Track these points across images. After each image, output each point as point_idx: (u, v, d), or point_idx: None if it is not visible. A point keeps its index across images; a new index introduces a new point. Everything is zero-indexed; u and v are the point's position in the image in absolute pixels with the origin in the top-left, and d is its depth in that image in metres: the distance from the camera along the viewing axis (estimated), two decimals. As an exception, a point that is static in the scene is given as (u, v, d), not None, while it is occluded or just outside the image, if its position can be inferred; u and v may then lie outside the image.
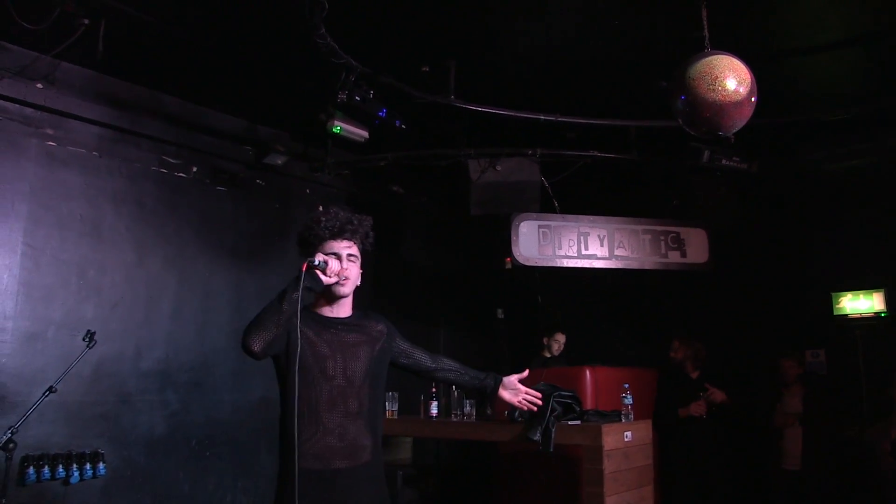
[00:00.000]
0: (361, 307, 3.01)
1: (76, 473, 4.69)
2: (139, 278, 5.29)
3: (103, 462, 4.83)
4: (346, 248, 2.87)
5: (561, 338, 6.73)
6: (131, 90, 5.37)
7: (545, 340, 6.73)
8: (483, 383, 3.21)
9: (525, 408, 3.26)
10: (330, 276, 2.75)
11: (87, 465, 4.75)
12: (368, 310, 3.05)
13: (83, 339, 4.32)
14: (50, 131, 4.94)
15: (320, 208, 3.00)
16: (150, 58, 5.01)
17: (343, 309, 2.91)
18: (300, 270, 2.66)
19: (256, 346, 2.61)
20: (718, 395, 5.78)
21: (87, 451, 4.79)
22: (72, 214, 4.98)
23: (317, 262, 2.71)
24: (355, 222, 2.93)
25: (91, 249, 5.05)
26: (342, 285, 2.83)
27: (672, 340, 6.14)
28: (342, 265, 2.82)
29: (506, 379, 3.23)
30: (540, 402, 3.26)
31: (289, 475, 2.56)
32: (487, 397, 3.27)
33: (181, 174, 5.65)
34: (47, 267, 4.83)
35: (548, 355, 6.71)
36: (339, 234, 2.87)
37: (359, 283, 2.94)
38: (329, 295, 2.85)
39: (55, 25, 4.14)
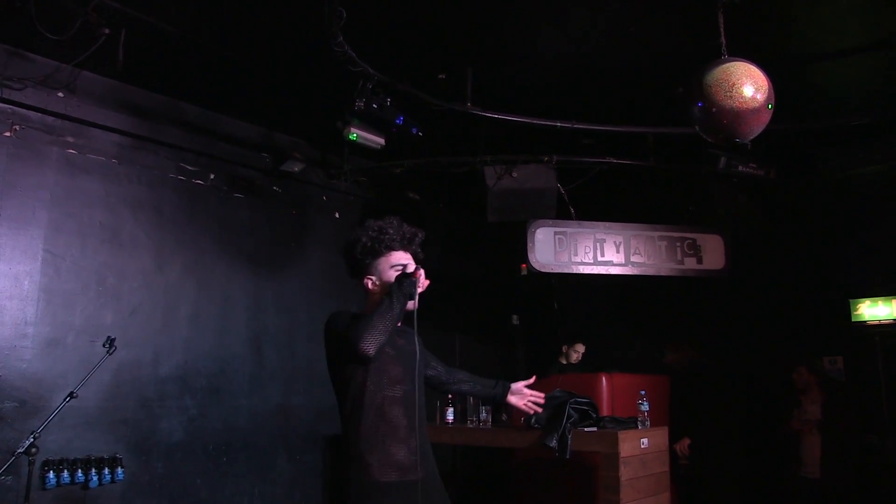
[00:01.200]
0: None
1: (95, 478, 4.73)
2: (158, 285, 5.34)
3: (122, 467, 4.87)
4: (407, 258, 2.90)
5: (581, 348, 6.74)
6: (151, 98, 5.43)
7: (564, 349, 6.73)
8: (493, 392, 3.27)
9: (531, 411, 3.33)
10: (422, 287, 2.77)
11: (106, 470, 4.79)
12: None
13: (103, 345, 4.36)
14: (70, 139, 5.00)
15: (390, 219, 2.95)
16: (169, 66, 5.06)
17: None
18: (411, 276, 2.70)
19: (372, 350, 2.57)
20: (682, 447, 5.86)
21: (107, 457, 4.83)
22: (91, 221, 5.04)
23: (414, 272, 2.75)
24: (420, 235, 2.96)
25: (110, 256, 5.10)
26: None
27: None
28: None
29: (513, 385, 3.28)
30: (541, 401, 3.32)
31: (363, 487, 2.54)
32: (499, 405, 3.32)
33: (199, 181, 5.70)
34: (67, 273, 4.88)
35: (564, 362, 6.70)
36: (408, 245, 2.90)
37: None
38: None
39: (77, 35, 4.18)
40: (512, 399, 3.26)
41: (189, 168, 5.65)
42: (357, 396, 2.65)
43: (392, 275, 2.82)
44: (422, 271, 2.79)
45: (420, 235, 2.95)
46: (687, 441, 5.88)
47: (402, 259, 2.86)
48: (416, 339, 2.86)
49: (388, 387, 2.69)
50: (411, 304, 2.76)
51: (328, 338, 2.79)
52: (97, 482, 4.73)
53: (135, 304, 5.19)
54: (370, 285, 2.88)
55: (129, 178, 5.28)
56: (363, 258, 2.87)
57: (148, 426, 5.13)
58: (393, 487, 2.56)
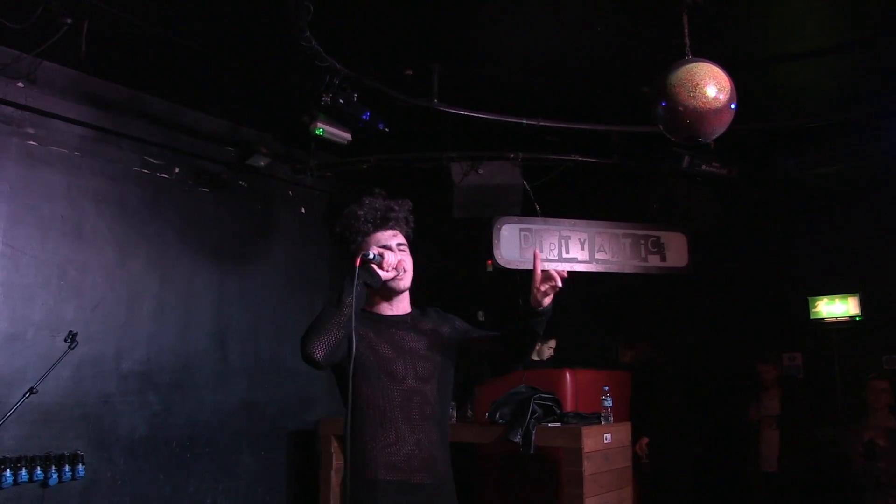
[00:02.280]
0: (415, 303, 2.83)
1: (55, 476, 4.65)
2: (121, 279, 5.27)
3: (83, 464, 4.81)
4: (393, 237, 2.68)
5: (553, 343, 6.74)
6: (114, 90, 5.36)
7: (537, 345, 6.74)
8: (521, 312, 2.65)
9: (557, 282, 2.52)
10: (388, 270, 2.56)
11: (66, 467, 4.72)
12: (425, 306, 2.85)
13: (65, 340, 4.29)
14: (31, 131, 4.91)
15: (362, 201, 2.71)
16: (133, 58, 5.00)
17: (402, 305, 2.73)
18: (354, 266, 2.46)
19: (318, 354, 2.34)
20: (641, 449, 5.95)
21: (67, 453, 4.76)
22: (53, 214, 4.96)
23: (371, 256, 2.51)
24: (396, 208, 2.72)
25: (72, 250, 5.03)
26: (400, 279, 2.64)
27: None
28: (396, 256, 2.61)
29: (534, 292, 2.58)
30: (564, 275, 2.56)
31: (364, 486, 2.40)
32: (533, 317, 2.58)
33: (163, 175, 5.64)
34: (27, 267, 4.80)
35: (536, 358, 6.72)
36: (382, 225, 2.67)
37: (412, 273, 2.73)
38: (386, 291, 2.65)
39: (37, 24, 4.11)
40: (542, 289, 2.55)
41: (153, 161, 5.59)
42: (355, 395, 2.46)
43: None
44: (388, 254, 2.57)
45: (396, 208, 2.70)
46: (645, 440, 5.97)
47: (384, 239, 2.65)
48: (438, 321, 2.73)
49: (388, 386, 2.50)
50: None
51: None
52: (57, 480, 4.66)
53: (97, 298, 5.12)
54: None
55: (91, 170, 5.21)
56: (346, 247, 2.67)
57: (110, 422, 5.07)
58: (392, 486, 2.41)
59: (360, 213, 2.65)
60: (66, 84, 5.08)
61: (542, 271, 2.55)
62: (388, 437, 2.46)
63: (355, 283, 2.42)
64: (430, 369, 2.60)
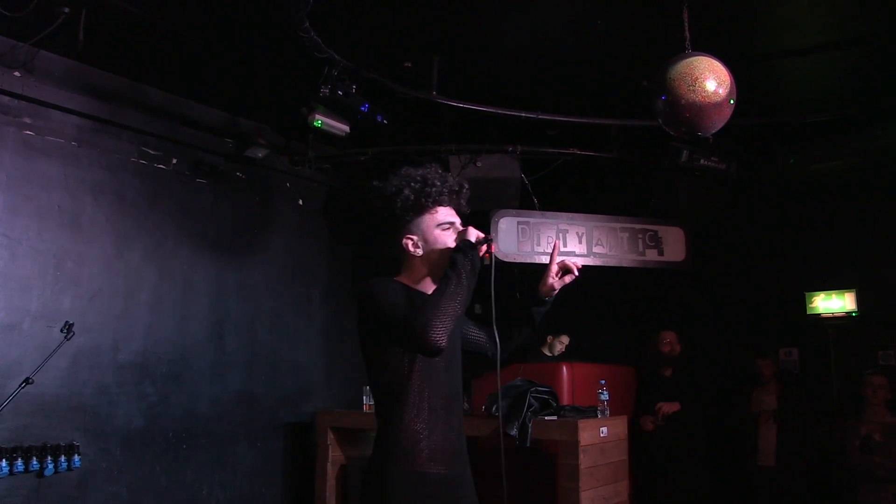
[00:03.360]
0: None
1: (51, 466, 4.65)
2: (118, 270, 5.26)
3: (79, 454, 4.80)
4: (454, 216, 2.47)
5: (565, 339, 6.66)
6: (112, 81, 5.34)
7: (549, 339, 6.67)
8: (528, 313, 2.63)
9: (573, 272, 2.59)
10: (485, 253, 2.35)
11: (63, 458, 4.72)
12: None
13: (61, 331, 4.29)
14: (28, 120, 4.89)
15: (429, 167, 2.48)
16: (131, 48, 4.98)
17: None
18: (479, 245, 2.30)
19: (444, 341, 2.14)
20: (669, 408, 5.87)
21: (63, 444, 4.76)
22: (50, 205, 4.94)
23: (489, 237, 2.36)
24: (466, 186, 2.51)
25: (69, 240, 5.02)
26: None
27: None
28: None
29: (542, 288, 2.61)
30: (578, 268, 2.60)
31: (406, 477, 2.25)
32: (536, 305, 2.61)
33: (161, 166, 5.62)
34: (24, 258, 4.79)
35: (548, 353, 6.66)
36: (457, 197, 2.46)
37: None
38: (438, 273, 2.38)
39: (35, 13, 4.10)
40: (551, 285, 2.60)
41: (151, 152, 5.57)
42: (401, 382, 2.31)
43: (440, 236, 2.42)
44: (495, 244, 2.38)
45: (467, 187, 2.51)
46: (677, 406, 5.94)
47: (448, 216, 2.44)
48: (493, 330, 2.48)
49: (434, 374, 2.35)
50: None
51: (369, 314, 2.32)
52: (53, 470, 4.66)
53: (94, 289, 5.11)
54: (411, 246, 2.44)
55: (89, 161, 5.19)
56: (403, 214, 2.42)
57: (106, 413, 5.07)
58: (439, 479, 2.29)
59: (437, 181, 2.43)
60: (64, 74, 5.06)
61: (560, 262, 2.55)
62: (436, 427, 2.33)
63: (473, 266, 2.26)
64: (459, 358, 2.51)
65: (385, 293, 2.31)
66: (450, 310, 2.17)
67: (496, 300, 2.37)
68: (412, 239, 2.44)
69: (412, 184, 2.42)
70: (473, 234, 2.35)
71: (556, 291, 2.56)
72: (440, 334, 2.13)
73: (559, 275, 2.57)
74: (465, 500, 2.38)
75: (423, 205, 2.41)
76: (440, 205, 2.44)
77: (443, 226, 2.43)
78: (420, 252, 2.43)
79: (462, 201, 2.50)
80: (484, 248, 2.34)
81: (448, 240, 2.42)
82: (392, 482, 2.25)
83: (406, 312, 2.21)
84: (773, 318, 6.60)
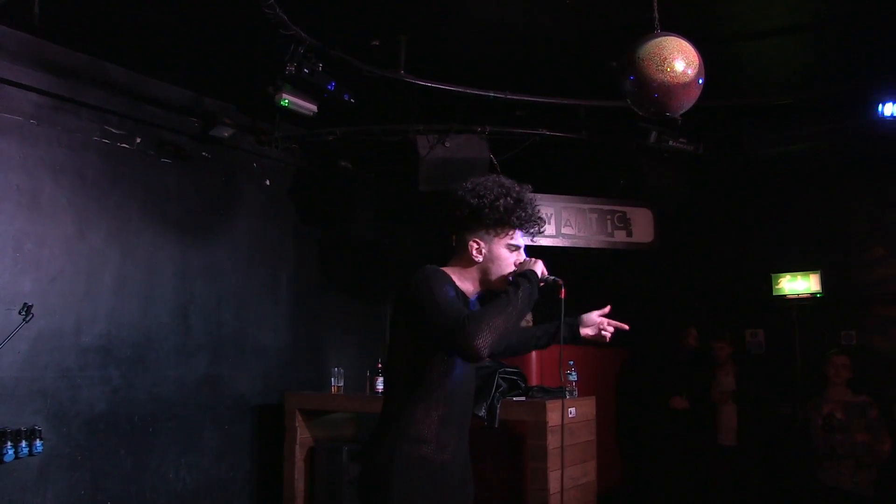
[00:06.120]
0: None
1: (10, 451, 4.54)
2: (80, 251, 5.16)
3: (40, 439, 4.69)
4: (523, 241, 2.55)
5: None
6: (71, 57, 5.19)
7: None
8: (559, 337, 2.74)
9: (608, 337, 2.81)
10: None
11: (23, 443, 4.60)
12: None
13: (19, 313, 4.20)
14: (-17, 98, 4.76)
15: (527, 191, 2.54)
16: (91, 24, 4.84)
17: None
18: (557, 291, 2.46)
19: (488, 351, 2.19)
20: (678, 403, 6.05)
21: (24, 429, 4.66)
22: (7, 185, 4.81)
23: (556, 282, 2.48)
24: (545, 226, 2.62)
25: (28, 221, 4.89)
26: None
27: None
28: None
29: (585, 317, 2.81)
30: (624, 326, 2.83)
31: (415, 464, 2.32)
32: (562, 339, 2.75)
33: (124, 145, 5.50)
34: (-19, 239, 4.68)
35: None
36: (528, 226, 2.52)
37: None
38: (484, 282, 2.52)
39: (-11, -14, 3.98)
40: (587, 332, 2.80)
41: (113, 131, 5.45)
42: (427, 373, 2.36)
43: (505, 256, 2.48)
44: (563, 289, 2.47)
45: (545, 224, 2.60)
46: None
47: (520, 240, 2.51)
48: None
49: (456, 369, 2.42)
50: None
51: (421, 300, 2.30)
52: (13, 455, 4.55)
53: (55, 271, 5.00)
54: (474, 251, 2.47)
55: (48, 139, 5.06)
56: (485, 220, 2.46)
57: (69, 397, 4.99)
58: (445, 466, 2.37)
59: (530, 209, 2.50)
60: (19, 49, 4.90)
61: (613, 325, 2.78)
62: (448, 419, 2.40)
63: (532, 299, 2.36)
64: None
65: (442, 286, 2.32)
66: (502, 326, 2.21)
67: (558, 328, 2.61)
68: (478, 244, 2.49)
69: (507, 198, 2.45)
70: (540, 269, 2.44)
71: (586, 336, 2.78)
72: (487, 344, 2.17)
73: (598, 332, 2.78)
74: (468, 486, 2.49)
75: (508, 222, 2.46)
76: (520, 229, 2.50)
77: (511, 247, 2.50)
78: (480, 259, 2.49)
79: (537, 233, 2.56)
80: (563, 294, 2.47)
81: (510, 261, 2.49)
82: (400, 467, 2.30)
83: (458, 313, 2.23)
84: (740, 298, 6.68)
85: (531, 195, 2.52)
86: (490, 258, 2.48)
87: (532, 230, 2.52)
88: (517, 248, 2.50)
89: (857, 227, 6.36)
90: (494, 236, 2.48)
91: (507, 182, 2.51)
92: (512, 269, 2.48)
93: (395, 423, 2.37)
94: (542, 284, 2.44)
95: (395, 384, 2.44)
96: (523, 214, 2.47)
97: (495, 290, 2.47)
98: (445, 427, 2.38)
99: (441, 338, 2.26)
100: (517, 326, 2.34)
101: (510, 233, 2.49)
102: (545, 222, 2.59)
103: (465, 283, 2.49)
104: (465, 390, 2.49)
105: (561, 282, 2.48)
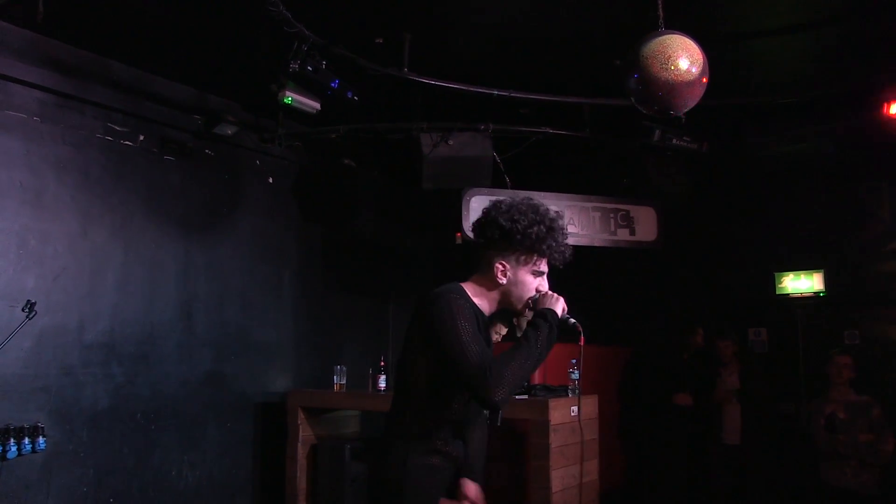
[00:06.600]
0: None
1: (14, 448, 4.55)
2: (83, 249, 5.16)
3: (44, 436, 4.71)
4: (546, 269, 2.55)
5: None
6: (75, 54, 5.19)
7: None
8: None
9: None
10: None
11: (26, 440, 4.62)
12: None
13: (22, 310, 4.20)
14: (-13, 95, 4.76)
15: (551, 213, 2.53)
16: (95, 21, 4.84)
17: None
18: (578, 334, 2.45)
19: (506, 403, 2.28)
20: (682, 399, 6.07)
21: (27, 426, 4.67)
22: (11, 182, 4.82)
23: (573, 322, 2.48)
24: (569, 254, 2.58)
25: (32, 219, 4.90)
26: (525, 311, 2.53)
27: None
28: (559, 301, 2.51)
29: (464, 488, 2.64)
30: None
31: (422, 469, 2.39)
32: None
33: (128, 142, 5.51)
34: (-16, 236, 4.68)
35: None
36: (552, 257, 2.52)
37: None
38: (503, 303, 2.53)
39: (-7, -16, 3.98)
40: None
41: (117, 129, 5.45)
42: (444, 392, 2.39)
43: (529, 282, 2.48)
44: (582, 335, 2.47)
45: (569, 254, 2.58)
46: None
47: (545, 268, 2.52)
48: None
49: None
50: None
51: (438, 337, 2.31)
52: (16, 452, 4.56)
53: (58, 268, 5.01)
54: (499, 273, 2.47)
55: (52, 137, 5.06)
56: (514, 243, 2.45)
57: (72, 394, 4.99)
58: (459, 475, 2.49)
59: (560, 236, 2.50)
60: (24, 46, 4.91)
61: None
62: (462, 419, 2.48)
63: (552, 341, 2.37)
64: None
65: (462, 321, 2.30)
66: (521, 378, 2.27)
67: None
68: (503, 266, 2.48)
69: (541, 226, 2.44)
70: (560, 307, 2.44)
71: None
72: (505, 397, 2.22)
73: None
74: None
75: (538, 250, 2.46)
76: (543, 255, 2.49)
77: (537, 273, 2.50)
78: (503, 282, 2.48)
79: (566, 262, 2.55)
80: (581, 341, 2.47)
81: (532, 287, 2.50)
82: (412, 477, 2.35)
83: (481, 361, 2.22)
84: (743, 297, 6.67)
85: (562, 223, 2.53)
86: (514, 282, 2.48)
87: (557, 261, 2.53)
88: (542, 274, 2.51)
89: (860, 227, 6.34)
90: (522, 262, 2.48)
91: (541, 208, 2.50)
92: (533, 293, 2.49)
93: (406, 432, 2.41)
94: (561, 324, 2.44)
95: (408, 395, 2.44)
96: (554, 245, 2.46)
97: (511, 310, 2.52)
98: (458, 437, 2.45)
99: (460, 381, 2.29)
100: (535, 369, 2.40)
101: (538, 260, 2.49)
102: (572, 252, 2.57)
103: (484, 300, 2.50)
104: (475, 406, 2.50)
105: (580, 327, 2.47)
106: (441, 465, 2.41)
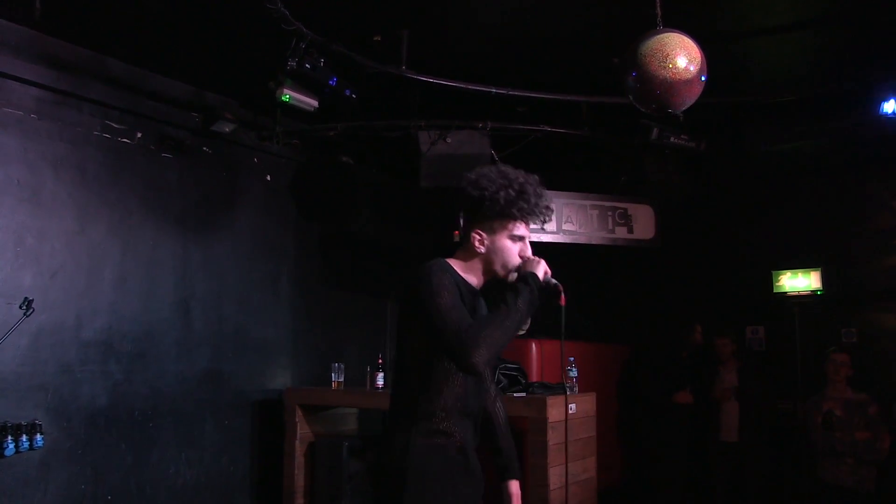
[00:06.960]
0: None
1: (11, 445, 4.55)
2: (81, 246, 5.15)
3: (41, 433, 4.70)
4: (527, 233, 2.51)
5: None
6: (73, 51, 5.18)
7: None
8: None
9: None
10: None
11: (24, 437, 4.61)
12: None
13: (20, 307, 4.19)
14: (-16, 92, 4.75)
15: (531, 180, 2.48)
16: (92, 18, 4.83)
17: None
18: (557, 297, 2.43)
19: (483, 367, 2.23)
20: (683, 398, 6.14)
21: (25, 423, 4.66)
22: (8, 179, 4.81)
23: (556, 285, 2.43)
24: (553, 211, 2.55)
25: (29, 216, 4.89)
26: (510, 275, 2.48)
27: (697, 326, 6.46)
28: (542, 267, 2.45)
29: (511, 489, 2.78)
30: None
31: (435, 452, 2.35)
32: None
33: (125, 140, 5.50)
34: (-18, 233, 4.68)
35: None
36: (532, 217, 2.48)
37: None
38: (488, 272, 2.50)
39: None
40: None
41: (115, 126, 5.44)
42: (440, 368, 2.37)
43: (508, 247, 2.45)
44: (563, 295, 2.44)
45: (553, 211, 2.54)
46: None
47: (523, 231, 2.47)
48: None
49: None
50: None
51: (423, 304, 2.30)
52: (13, 449, 4.56)
53: (56, 266, 5.00)
54: (476, 242, 2.45)
55: (49, 134, 5.05)
56: (487, 211, 2.43)
57: (69, 391, 4.99)
58: (461, 455, 2.41)
59: (532, 198, 2.45)
60: (21, 43, 4.89)
61: None
62: (462, 403, 2.43)
63: (533, 305, 2.34)
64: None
65: (442, 290, 2.29)
66: (499, 340, 2.23)
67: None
68: (480, 236, 2.46)
69: (510, 189, 2.41)
70: (542, 271, 2.41)
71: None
72: (483, 360, 2.19)
73: None
74: (479, 472, 2.49)
75: (509, 213, 2.43)
76: (522, 220, 2.46)
77: (514, 238, 2.47)
78: (482, 251, 2.47)
79: (545, 221, 2.52)
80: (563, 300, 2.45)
81: (514, 252, 2.46)
82: (416, 456, 2.32)
83: (458, 325, 2.22)
84: (740, 296, 6.68)
85: (536, 185, 2.48)
86: (493, 249, 2.46)
87: (536, 221, 2.49)
88: (521, 238, 2.47)
89: (857, 225, 6.35)
90: (495, 227, 2.45)
91: (511, 173, 2.47)
92: (516, 259, 2.46)
93: (408, 413, 2.39)
94: (554, 297, 2.44)
95: (407, 375, 2.44)
96: (525, 206, 2.43)
97: (501, 280, 2.47)
98: (459, 416, 2.40)
99: (441, 347, 2.28)
100: (515, 334, 2.33)
101: (512, 224, 2.45)
102: (551, 211, 2.54)
103: (471, 275, 2.49)
104: (475, 380, 2.48)
105: (561, 287, 2.45)
106: (447, 444, 2.37)
